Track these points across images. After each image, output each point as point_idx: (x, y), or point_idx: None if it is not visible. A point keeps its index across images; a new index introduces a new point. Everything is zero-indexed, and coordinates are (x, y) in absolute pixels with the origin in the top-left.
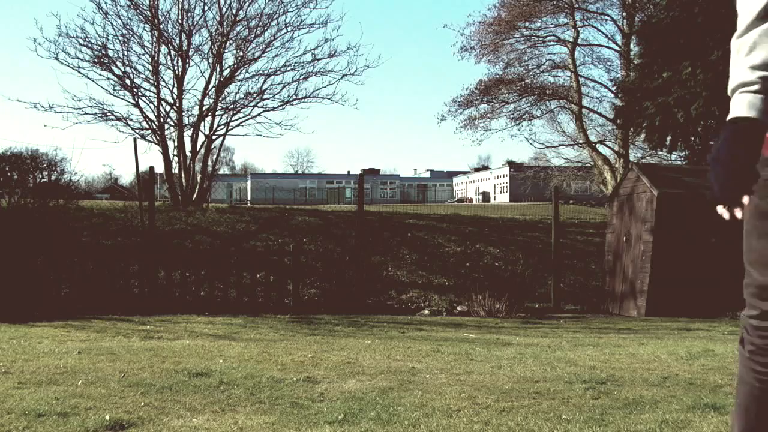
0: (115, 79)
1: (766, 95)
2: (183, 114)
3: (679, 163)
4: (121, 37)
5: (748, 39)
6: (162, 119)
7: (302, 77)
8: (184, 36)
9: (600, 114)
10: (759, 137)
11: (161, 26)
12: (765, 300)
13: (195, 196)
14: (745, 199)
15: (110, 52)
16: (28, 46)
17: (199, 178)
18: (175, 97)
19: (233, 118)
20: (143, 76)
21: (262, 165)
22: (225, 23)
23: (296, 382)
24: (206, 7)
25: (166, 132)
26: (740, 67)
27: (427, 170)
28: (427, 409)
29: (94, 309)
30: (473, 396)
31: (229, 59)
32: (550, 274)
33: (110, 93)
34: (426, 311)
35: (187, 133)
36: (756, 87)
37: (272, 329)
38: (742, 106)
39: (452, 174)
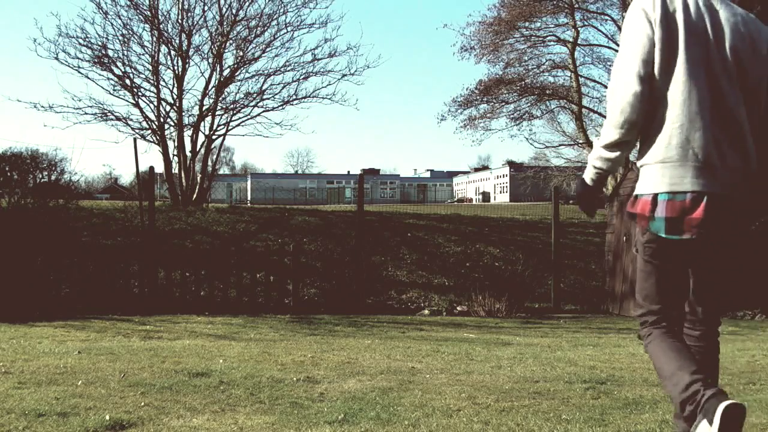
0: (115, 79)
1: (598, 177)
2: (183, 114)
3: None
4: (121, 37)
5: (600, 146)
6: (162, 119)
7: (302, 77)
8: (184, 36)
9: (600, 114)
10: (589, 190)
11: (161, 26)
12: (648, 315)
13: (195, 196)
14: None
15: (110, 52)
16: (28, 46)
17: (199, 178)
18: (175, 97)
19: (233, 118)
20: (143, 76)
21: (262, 165)
22: (225, 23)
23: (296, 382)
24: (206, 7)
25: (166, 132)
26: (596, 156)
27: (427, 170)
28: (427, 409)
29: (94, 309)
30: (473, 396)
31: (229, 59)
32: (550, 274)
33: (110, 93)
34: (426, 311)
35: (187, 133)
36: (594, 171)
37: (272, 329)
38: (589, 175)
39: (452, 174)
